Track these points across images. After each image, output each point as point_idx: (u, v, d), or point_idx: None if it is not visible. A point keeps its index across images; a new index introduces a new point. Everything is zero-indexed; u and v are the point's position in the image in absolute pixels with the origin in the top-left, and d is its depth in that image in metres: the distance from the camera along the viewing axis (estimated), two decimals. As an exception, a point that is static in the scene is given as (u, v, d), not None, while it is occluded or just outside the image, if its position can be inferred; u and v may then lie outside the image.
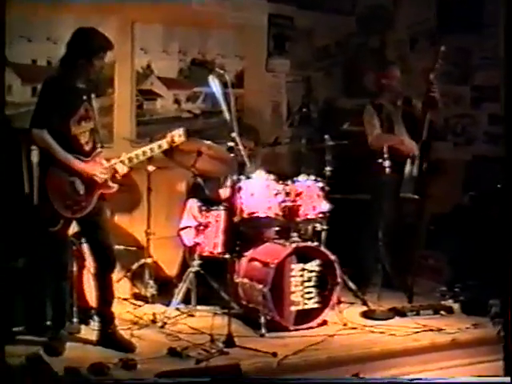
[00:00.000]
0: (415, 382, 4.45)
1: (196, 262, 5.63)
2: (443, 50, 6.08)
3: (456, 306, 5.94)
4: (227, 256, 5.50)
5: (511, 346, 3.76)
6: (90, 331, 5.11)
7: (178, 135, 5.05)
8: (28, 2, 5.63)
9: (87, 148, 4.80)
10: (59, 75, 4.75)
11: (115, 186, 4.87)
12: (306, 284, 5.44)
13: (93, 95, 4.86)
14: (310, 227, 5.88)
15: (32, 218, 5.12)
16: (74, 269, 5.17)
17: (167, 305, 5.58)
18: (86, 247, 5.21)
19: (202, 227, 5.69)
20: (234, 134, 5.20)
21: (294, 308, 5.40)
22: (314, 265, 5.48)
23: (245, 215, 5.45)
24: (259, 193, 5.51)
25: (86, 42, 4.71)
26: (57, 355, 4.70)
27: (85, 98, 4.78)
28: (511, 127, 4.24)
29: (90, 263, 5.19)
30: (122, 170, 4.88)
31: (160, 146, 5.02)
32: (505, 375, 3.75)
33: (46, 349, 4.72)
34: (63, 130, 4.68)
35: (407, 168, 6.15)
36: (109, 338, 4.92)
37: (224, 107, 5.21)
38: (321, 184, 5.74)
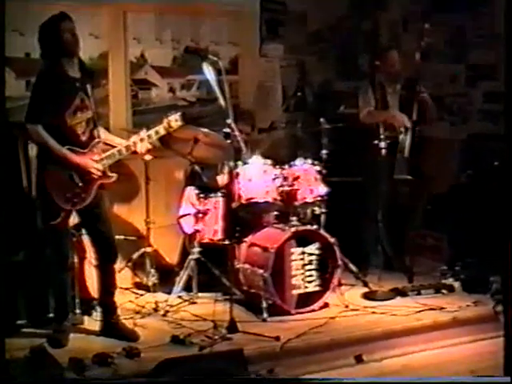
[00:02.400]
0: (414, 381, 4.46)
1: (196, 250, 5.64)
2: (427, 27, 6.07)
3: (457, 285, 5.96)
4: (227, 242, 5.52)
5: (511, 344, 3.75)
6: (93, 322, 5.13)
7: (174, 120, 4.97)
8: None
9: (84, 138, 4.78)
10: (50, 66, 4.72)
11: (114, 176, 4.88)
12: (307, 267, 5.46)
13: (88, 84, 4.83)
14: (308, 211, 5.90)
15: (31, 210, 5.13)
16: (75, 260, 5.17)
17: (169, 293, 5.59)
18: (86, 238, 5.22)
19: (200, 214, 5.68)
20: (229, 121, 5.20)
21: (295, 292, 5.42)
22: (313, 248, 5.50)
23: (243, 201, 5.47)
24: (257, 178, 5.53)
25: (45, 25, 4.75)
26: (61, 347, 4.73)
27: (78, 85, 4.75)
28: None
29: (90, 254, 5.20)
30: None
31: (157, 132, 4.96)
32: (505, 375, 3.75)
33: (49, 341, 4.75)
34: (58, 122, 4.66)
35: (399, 144, 6.12)
36: (112, 327, 4.95)
37: (219, 94, 5.20)
38: (318, 167, 5.75)
